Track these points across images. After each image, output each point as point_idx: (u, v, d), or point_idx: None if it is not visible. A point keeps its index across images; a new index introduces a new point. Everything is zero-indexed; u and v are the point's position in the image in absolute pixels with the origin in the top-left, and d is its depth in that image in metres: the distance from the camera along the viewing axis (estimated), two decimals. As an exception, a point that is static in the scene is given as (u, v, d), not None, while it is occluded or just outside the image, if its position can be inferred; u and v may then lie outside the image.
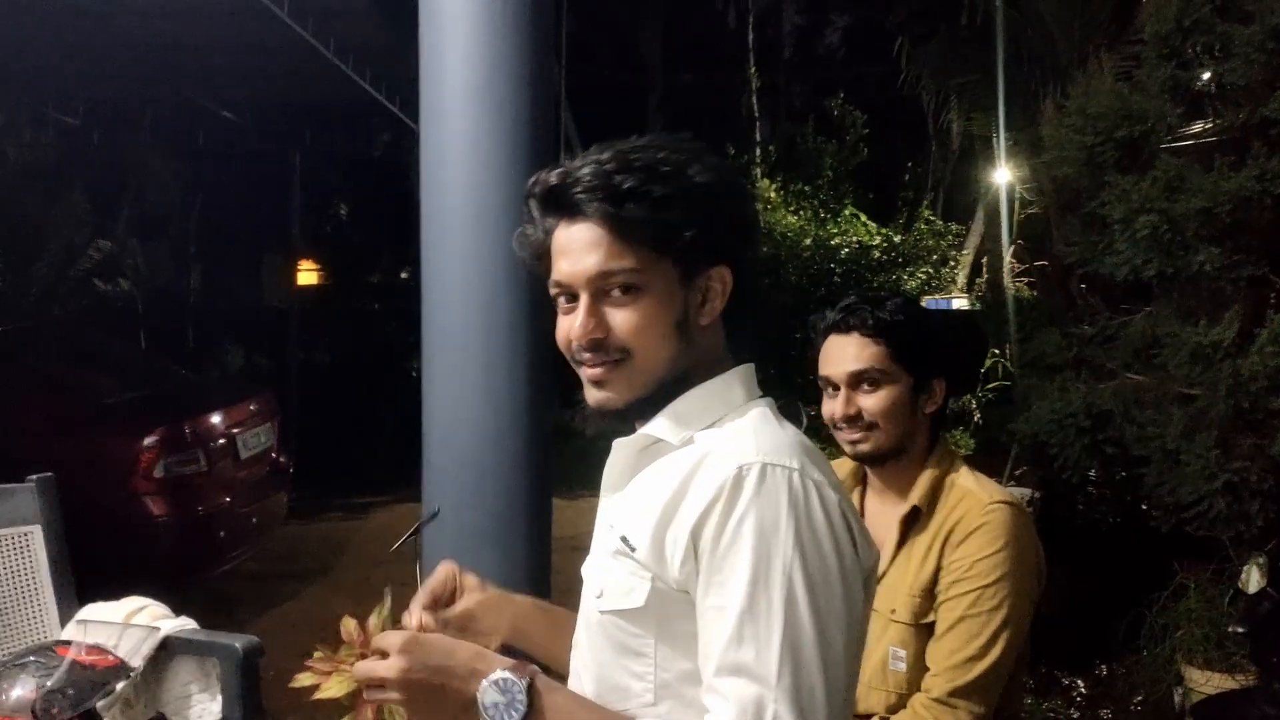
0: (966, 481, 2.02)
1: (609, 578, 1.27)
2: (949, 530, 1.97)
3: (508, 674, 1.20)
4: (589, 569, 1.34)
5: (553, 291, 1.30)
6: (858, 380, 1.97)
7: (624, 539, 1.25)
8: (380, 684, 1.26)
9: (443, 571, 1.48)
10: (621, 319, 1.25)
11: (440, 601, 1.45)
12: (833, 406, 2.00)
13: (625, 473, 1.30)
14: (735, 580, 1.13)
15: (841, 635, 1.14)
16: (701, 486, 1.17)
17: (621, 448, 1.31)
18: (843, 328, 1.99)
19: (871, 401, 1.97)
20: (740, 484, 1.15)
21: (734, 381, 1.29)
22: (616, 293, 1.24)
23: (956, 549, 1.94)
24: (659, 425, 1.27)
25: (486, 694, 1.19)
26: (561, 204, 1.26)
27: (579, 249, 1.25)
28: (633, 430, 1.31)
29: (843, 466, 2.12)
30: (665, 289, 1.24)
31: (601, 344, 1.26)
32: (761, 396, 1.31)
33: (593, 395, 1.29)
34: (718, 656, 1.13)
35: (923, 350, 2.00)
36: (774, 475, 1.15)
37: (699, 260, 1.25)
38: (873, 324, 1.97)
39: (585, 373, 1.29)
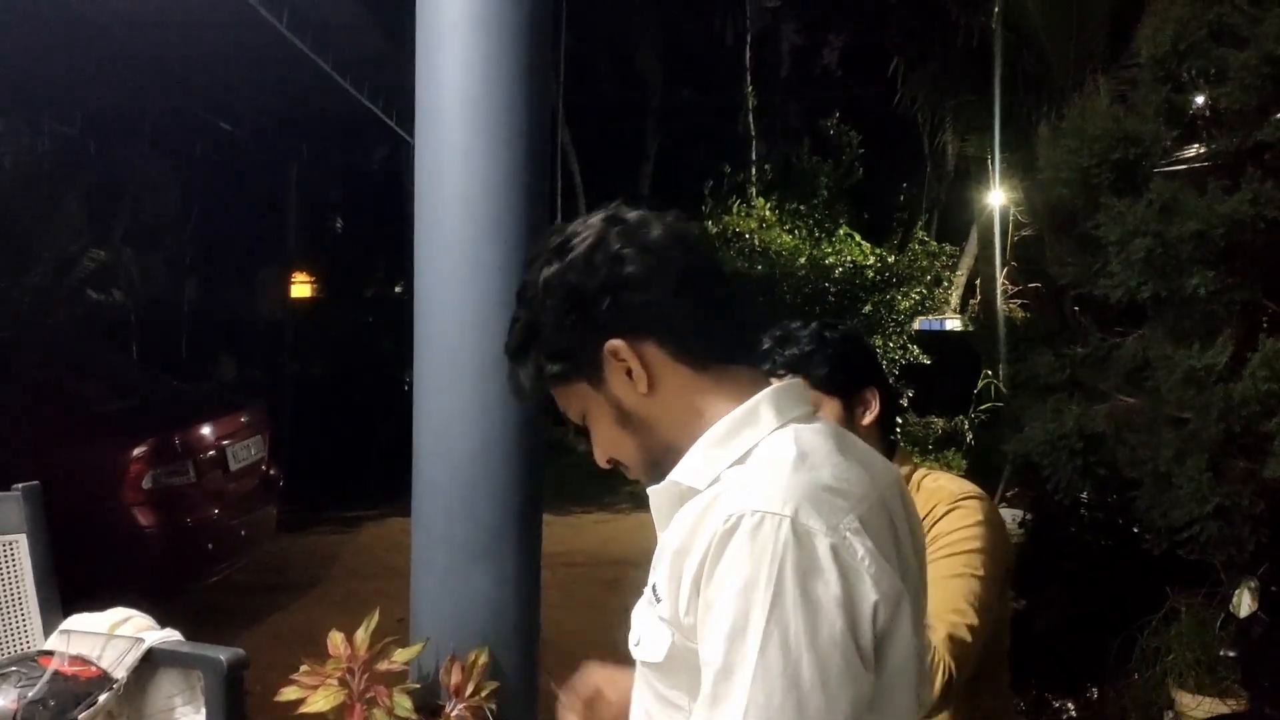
0: (936, 478, 2.08)
1: (644, 626, 1.25)
2: (923, 519, 1.97)
3: None
4: (634, 612, 1.32)
5: None
6: None
7: (653, 587, 1.23)
8: None
9: (588, 679, 1.53)
10: (595, 441, 1.33)
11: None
12: None
13: (668, 514, 1.27)
14: (715, 635, 1.10)
15: (822, 695, 1.07)
16: (702, 535, 1.14)
17: (655, 495, 1.28)
18: None
19: None
20: (728, 535, 1.11)
21: (761, 405, 1.24)
22: (580, 423, 1.33)
23: (934, 527, 1.97)
24: (684, 470, 1.24)
25: None
26: None
27: None
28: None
29: None
30: (592, 401, 1.29)
31: (608, 459, 1.35)
32: (801, 415, 1.26)
33: None
34: (698, 713, 1.12)
35: (838, 369, 2.03)
36: (761, 525, 1.10)
37: (585, 361, 1.26)
38: (782, 361, 2.01)
39: None
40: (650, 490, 1.28)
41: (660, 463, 1.27)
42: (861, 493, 1.18)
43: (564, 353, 1.26)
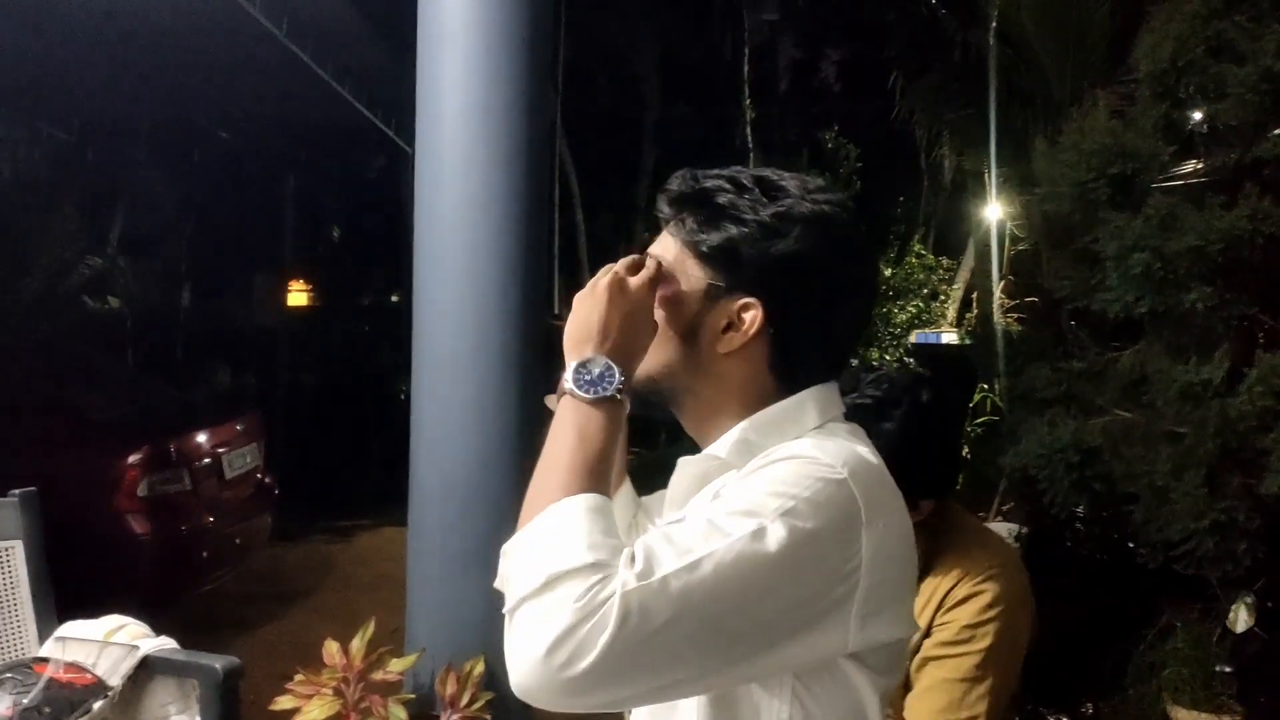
0: (965, 540, 1.98)
1: None
2: (943, 595, 1.92)
3: (621, 377, 1.18)
4: None
5: None
6: None
7: None
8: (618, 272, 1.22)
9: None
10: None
11: None
12: None
13: (690, 490, 1.25)
14: (723, 505, 1.08)
15: (751, 613, 1.05)
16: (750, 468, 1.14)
17: (685, 466, 1.26)
18: None
19: None
20: (780, 460, 1.11)
21: (806, 401, 1.24)
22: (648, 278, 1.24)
23: (948, 612, 1.91)
24: (724, 446, 1.22)
25: (596, 362, 1.18)
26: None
27: None
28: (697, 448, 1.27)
29: None
30: (686, 288, 1.23)
31: None
32: (838, 416, 1.26)
33: None
34: (669, 524, 1.08)
35: (905, 479, 1.84)
36: (816, 462, 1.11)
37: (724, 279, 1.21)
38: None
39: None
40: (681, 461, 1.26)
41: (661, 386, 1.25)
42: (901, 504, 1.19)
43: (731, 256, 1.20)
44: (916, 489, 1.87)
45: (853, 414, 1.80)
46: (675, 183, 1.27)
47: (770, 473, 1.11)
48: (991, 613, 1.89)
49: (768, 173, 1.26)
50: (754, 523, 1.05)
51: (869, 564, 1.10)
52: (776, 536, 1.05)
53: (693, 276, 1.23)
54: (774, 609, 1.06)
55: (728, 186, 1.23)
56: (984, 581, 1.91)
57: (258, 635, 5.62)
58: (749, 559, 1.04)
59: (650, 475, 1.36)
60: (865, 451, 1.19)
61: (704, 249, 1.22)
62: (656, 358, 1.24)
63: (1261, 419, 3.74)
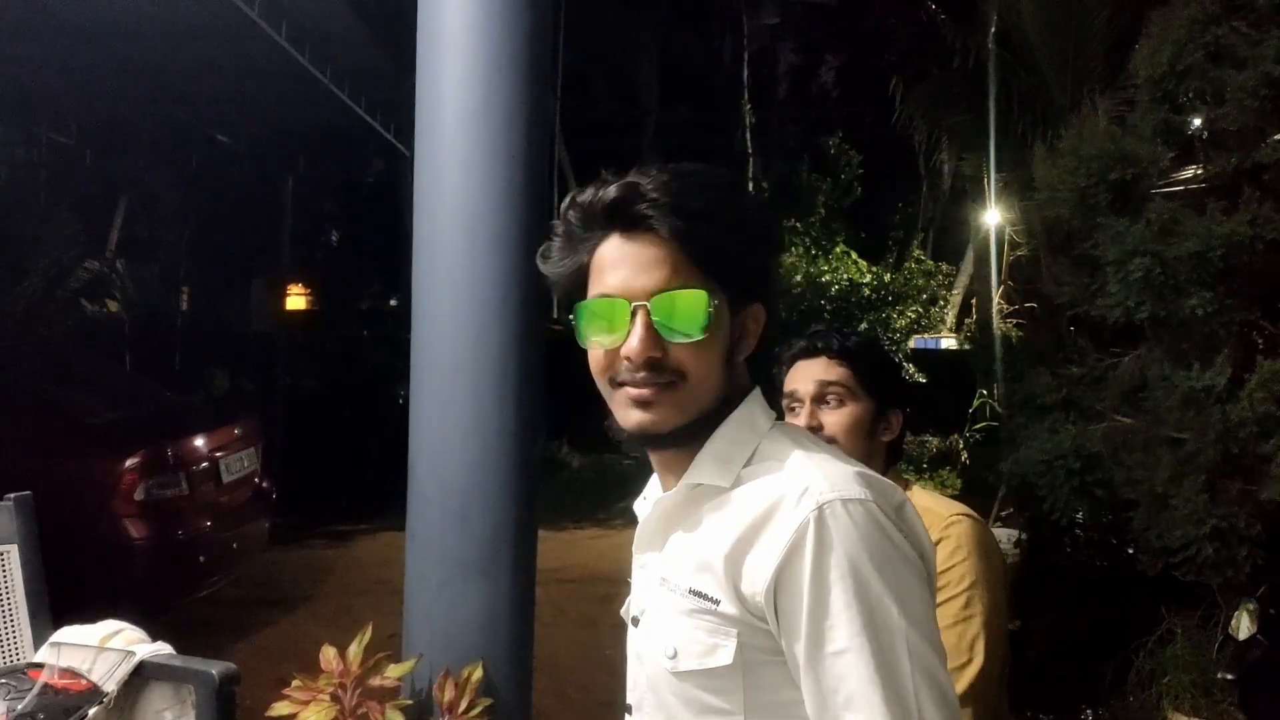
0: (922, 500, 2.06)
1: (683, 636, 1.19)
2: None
3: None
4: (652, 629, 1.25)
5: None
6: (822, 395, 2.02)
7: (698, 593, 1.18)
8: None
9: None
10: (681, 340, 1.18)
11: None
12: (795, 422, 2.03)
13: (663, 526, 1.25)
14: (846, 623, 1.08)
15: (940, 654, 1.13)
16: (779, 528, 1.12)
17: (662, 503, 1.25)
18: (810, 352, 2.07)
19: (834, 418, 2.01)
20: (824, 524, 1.10)
21: (754, 407, 1.24)
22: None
23: None
24: (704, 471, 1.21)
25: None
26: (620, 217, 1.20)
27: (641, 263, 1.18)
28: (670, 475, 1.26)
29: None
30: (720, 317, 1.19)
31: (659, 364, 1.18)
32: (773, 417, 1.26)
33: (634, 416, 1.20)
34: (855, 700, 1.09)
35: (883, 378, 2.07)
36: (853, 510, 1.11)
37: (744, 294, 1.22)
38: (838, 347, 2.05)
39: (629, 393, 1.19)
40: (658, 499, 1.26)
41: (701, 410, 1.21)
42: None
43: (750, 262, 1.22)
44: (896, 395, 2.09)
45: (817, 335, 2.08)
46: (657, 190, 1.18)
47: (837, 561, 1.10)
48: (961, 554, 1.96)
49: (721, 173, 1.24)
50: (896, 626, 1.09)
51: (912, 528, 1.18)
52: (904, 611, 1.10)
53: (719, 298, 1.19)
54: (931, 626, 1.14)
55: (720, 195, 1.20)
56: (947, 529, 1.99)
57: (254, 640, 5.60)
58: (919, 642, 1.10)
59: (648, 478, 1.35)
60: (837, 452, 1.23)
61: (724, 266, 1.18)
62: (710, 384, 1.21)
63: (1262, 425, 3.74)
